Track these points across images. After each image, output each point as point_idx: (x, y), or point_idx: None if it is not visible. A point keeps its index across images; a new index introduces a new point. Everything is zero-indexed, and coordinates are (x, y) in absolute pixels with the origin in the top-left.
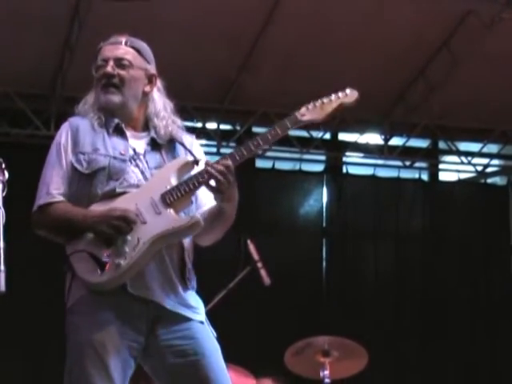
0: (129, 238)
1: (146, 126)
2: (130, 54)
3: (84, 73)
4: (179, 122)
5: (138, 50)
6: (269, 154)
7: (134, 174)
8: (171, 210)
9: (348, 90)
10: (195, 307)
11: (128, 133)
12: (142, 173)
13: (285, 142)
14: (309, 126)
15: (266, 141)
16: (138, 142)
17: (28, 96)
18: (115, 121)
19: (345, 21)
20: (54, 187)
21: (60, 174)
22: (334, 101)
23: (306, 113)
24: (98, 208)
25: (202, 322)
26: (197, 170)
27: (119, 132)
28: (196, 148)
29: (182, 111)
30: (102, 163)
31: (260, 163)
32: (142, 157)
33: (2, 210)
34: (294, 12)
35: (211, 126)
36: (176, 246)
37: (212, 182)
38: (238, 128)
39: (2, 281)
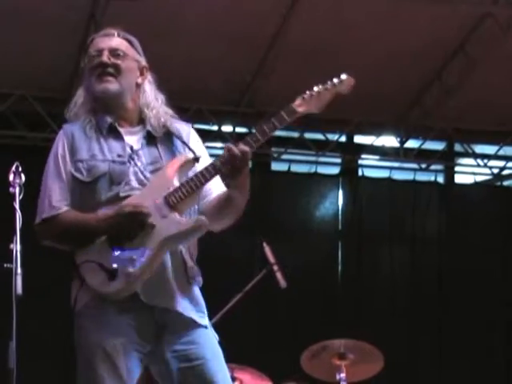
0: (135, 243)
1: (141, 119)
2: (124, 45)
3: None
4: (171, 111)
5: (130, 42)
6: (284, 156)
7: (134, 175)
8: (176, 213)
9: (343, 76)
10: (201, 311)
11: (122, 129)
12: (142, 172)
13: (300, 144)
14: (324, 127)
15: (264, 134)
16: (133, 138)
17: (45, 99)
18: (108, 121)
19: (361, 24)
20: (56, 199)
21: (61, 186)
22: (329, 89)
23: (303, 103)
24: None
25: (205, 327)
26: (198, 166)
27: (113, 132)
28: (193, 139)
29: (198, 114)
30: (102, 169)
31: (276, 166)
32: (140, 152)
33: (19, 212)
34: (310, 15)
35: (227, 128)
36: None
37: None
38: (254, 131)
39: (18, 284)
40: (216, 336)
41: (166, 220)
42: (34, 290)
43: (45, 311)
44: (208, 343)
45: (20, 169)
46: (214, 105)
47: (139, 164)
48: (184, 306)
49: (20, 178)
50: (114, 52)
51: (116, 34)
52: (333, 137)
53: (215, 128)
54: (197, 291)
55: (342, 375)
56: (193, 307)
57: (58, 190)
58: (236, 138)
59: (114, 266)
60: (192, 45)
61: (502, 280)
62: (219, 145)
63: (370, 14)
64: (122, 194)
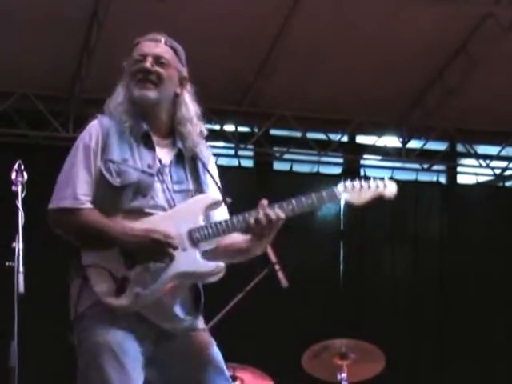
0: (151, 265)
1: (171, 131)
2: (169, 54)
3: (102, 75)
4: (205, 131)
5: (175, 51)
6: (286, 156)
7: (161, 192)
8: (197, 251)
9: (388, 182)
10: (198, 316)
11: (154, 139)
12: (168, 190)
13: (303, 144)
14: (326, 127)
15: (301, 207)
16: (162, 151)
17: (47, 98)
18: (144, 127)
19: (362, 25)
20: (81, 192)
21: (87, 179)
22: (373, 190)
23: (345, 192)
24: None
25: (203, 329)
26: (223, 210)
27: (146, 140)
28: (212, 167)
29: (200, 113)
30: (132, 177)
31: (278, 166)
32: (167, 170)
33: (22, 211)
34: (312, 15)
35: (229, 128)
36: None
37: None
38: (256, 130)
39: (20, 282)
40: (213, 340)
41: (185, 254)
42: (36, 289)
43: (46, 310)
44: (207, 345)
45: (22, 167)
46: (216, 104)
47: (166, 180)
48: (183, 320)
49: (22, 176)
50: (158, 59)
51: (163, 41)
52: (335, 137)
53: (217, 127)
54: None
55: (344, 375)
56: (190, 313)
57: (85, 184)
58: (238, 137)
59: (125, 280)
60: (194, 45)
61: (503, 280)
62: (221, 144)
63: (372, 14)
64: (146, 210)
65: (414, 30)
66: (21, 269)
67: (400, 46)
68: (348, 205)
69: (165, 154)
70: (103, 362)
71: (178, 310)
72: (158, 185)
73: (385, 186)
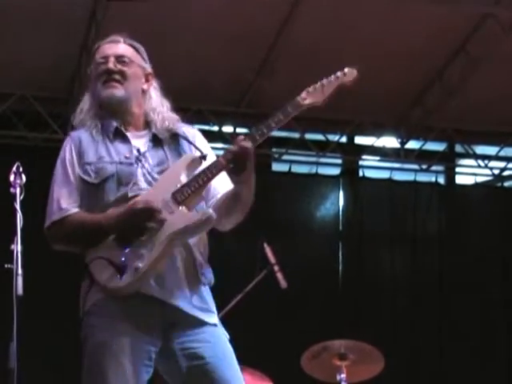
0: (143, 239)
1: (147, 124)
2: (130, 52)
3: None
4: (176, 117)
5: (135, 49)
6: (285, 157)
7: (142, 176)
8: (183, 208)
9: (346, 69)
10: (210, 310)
11: (129, 133)
12: (149, 173)
13: (301, 145)
14: (325, 128)
15: (269, 127)
16: (140, 141)
17: (45, 100)
18: (113, 124)
19: (362, 24)
20: (65, 202)
21: (69, 189)
22: (333, 81)
23: (307, 96)
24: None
25: (215, 325)
26: (205, 164)
27: (120, 135)
28: (199, 140)
29: (199, 114)
30: (109, 171)
31: (276, 167)
32: (147, 154)
33: (20, 213)
34: (311, 15)
35: (227, 129)
36: (184, 244)
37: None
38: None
39: (19, 284)
40: (226, 334)
41: (173, 215)
42: (35, 291)
43: (46, 312)
44: (219, 342)
45: (21, 169)
46: (214, 105)
47: (146, 165)
48: (192, 306)
49: (21, 178)
50: (120, 59)
51: (122, 40)
52: (333, 137)
53: (216, 128)
54: (206, 290)
55: (343, 376)
56: (201, 306)
57: (67, 194)
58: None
59: (124, 261)
60: (193, 45)
61: (502, 280)
62: (220, 145)
63: (372, 14)
64: (130, 194)
65: (414, 31)
66: (19, 271)
67: (399, 46)
68: (310, 107)
69: (142, 144)
70: (103, 360)
71: (182, 286)
72: (139, 171)
73: (344, 74)
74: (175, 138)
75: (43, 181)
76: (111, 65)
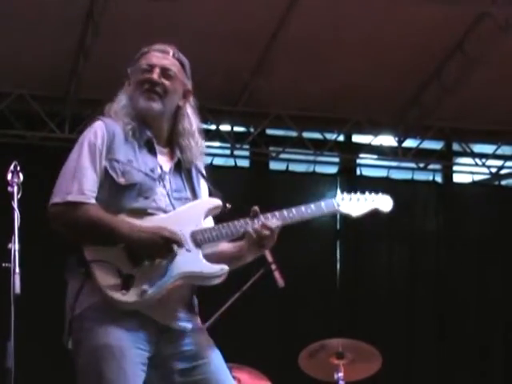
0: (157, 264)
1: (169, 141)
2: (176, 67)
3: (98, 75)
4: (204, 146)
5: (182, 65)
6: (282, 156)
7: (162, 196)
8: (201, 253)
9: (384, 197)
10: (195, 316)
11: (156, 147)
12: (168, 195)
13: (298, 144)
14: (322, 127)
15: (301, 215)
16: (163, 159)
17: (42, 98)
18: (148, 134)
19: (359, 23)
20: (88, 187)
21: (93, 176)
22: (368, 202)
23: (342, 204)
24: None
25: (201, 329)
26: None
27: (149, 147)
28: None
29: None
30: (136, 178)
31: (274, 165)
32: (167, 176)
33: (18, 212)
34: (307, 15)
35: (225, 128)
36: None
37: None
38: (252, 130)
39: (17, 283)
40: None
41: (190, 254)
42: (32, 290)
43: (43, 310)
44: (206, 344)
45: (18, 168)
46: (211, 104)
47: (168, 187)
48: (183, 322)
49: (18, 177)
50: (165, 72)
51: (171, 53)
52: (331, 136)
53: (213, 127)
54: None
55: (340, 374)
56: (190, 317)
57: (91, 181)
58: (234, 137)
59: (128, 273)
60: (189, 43)
61: (500, 278)
62: (217, 144)
63: (369, 12)
64: (149, 211)
65: (411, 30)
66: (17, 270)
67: (396, 45)
68: (343, 215)
69: (165, 162)
70: (103, 365)
71: (176, 308)
72: (159, 189)
73: (382, 200)
74: (190, 171)
75: (41, 179)
76: (156, 76)
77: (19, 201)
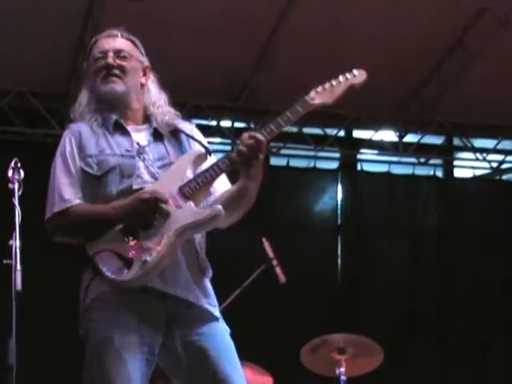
0: (151, 232)
1: (146, 118)
2: (128, 46)
3: None
4: (174, 110)
5: (133, 43)
6: (283, 151)
7: (145, 169)
8: (191, 203)
9: (356, 71)
10: (213, 303)
11: (129, 127)
12: (151, 166)
13: (299, 139)
14: (323, 122)
15: (278, 125)
16: (140, 135)
17: (43, 96)
18: (113, 117)
19: (359, 19)
20: (66, 193)
21: (71, 181)
22: (343, 82)
23: (316, 96)
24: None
25: (217, 319)
26: (210, 160)
27: (120, 129)
28: (198, 135)
29: (197, 109)
30: (112, 163)
31: (274, 161)
32: (146, 149)
33: (18, 208)
34: (308, 10)
35: (225, 124)
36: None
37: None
38: (253, 126)
39: (18, 280)
40: (227, 328)
41: (181, 210)
42: (34, 287)
43: (45, 307)
44: (220, 335)
45: (19, 165)
46: (212, 100)
47: (147, 158)
48: (196, 296)
49: (19, 173)
50: (118, 53)
51: (120, 34)
52: (331, 131)
53: (214, 123)
54: (208, 283)
55: (342, 369)
56: (204, 298)
57: (69, 186)
58: (235, 133)
59: (131, 254)
60: (190, 40)
61: (501, 273)
62: (218, 140)
63: (369, 8)
64: (135, 187)
65: (411, 24)
66: (18, 266)
67: (397, 41)
68: (321, 106)
69: (143, 138)
70: (105, 356)
71: (187, 278)
72: (140, 163)
73: (354, 75)
74: (175, 133)
75: (41, 176)
76: (110, 60)
77: (20, 197)
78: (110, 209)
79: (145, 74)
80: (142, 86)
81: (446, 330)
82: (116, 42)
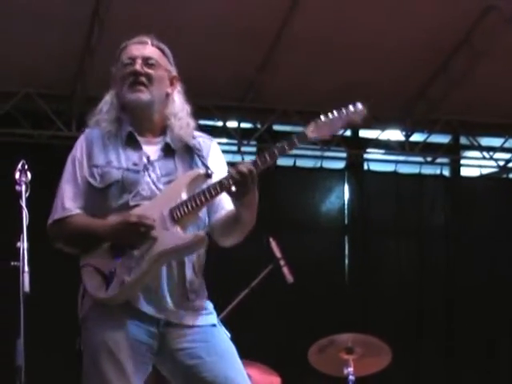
0: (135, 253)
1: (164, 129)
2: (157, 54)
3: (104, 73)
4: (194, 124)
5: (162, 51)
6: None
7: (146, 185)
8: (178, 228)
9: (355, 107)
10: (204, 312)
11: (143, 139)
12: (154, 183)
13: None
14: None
15: (272, 155)
16: (152, 148)
17: (49, 97)
18: (127, 129)
19: (365, 18)
20: (69, 202)
21: (75, 189)
22: (342, 118)
23: (315, 129)
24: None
25: (213, 325)
26: (209, 182)
27: (132, 141)
28: (214, 153)
29: (203, 110)
30: (114, 176)
31: (281, 161)
32: (155, 164)
33: (26, 210)
34: (314, 9)
35: (232, 124)
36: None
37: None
38: (259, 126)
39: (26, 281)
40: (227, 333)
41: (167, 233)
42: (42, 288)
43: (53, 308)
44: (219, 341)
45: (26, 167)
46: (218, 100)
47: (153, 175)
48: (182, 316)
49: (26, 175)
50: (146, 61)
51: (150, 42)
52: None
53: (220, 124)
54: (200, 298)
55: (350, 369)
56: (193, 313)
57: (72, 194)
58: (241, 133)
59: (113, 271)
60: (196, 40)
61: (509, 271)
62: (224, 140)
63: (375, 7)
64: (131, 203)
65: (418, 23)
66: (26, 268)
67: (403, 39)
68: (318, 140)
69: (154, 151)
70: (101, 361)
71: (167, 299)
72: (145, 179)
73: (354, 111)
74: (189, 150)
75: (48, 178)
76: (138, 67)
77: (27, 199)
78: (101, 225)
79: (172, 84)
80: (168, 95)
81: (454, 329)
82: (145, 49)
